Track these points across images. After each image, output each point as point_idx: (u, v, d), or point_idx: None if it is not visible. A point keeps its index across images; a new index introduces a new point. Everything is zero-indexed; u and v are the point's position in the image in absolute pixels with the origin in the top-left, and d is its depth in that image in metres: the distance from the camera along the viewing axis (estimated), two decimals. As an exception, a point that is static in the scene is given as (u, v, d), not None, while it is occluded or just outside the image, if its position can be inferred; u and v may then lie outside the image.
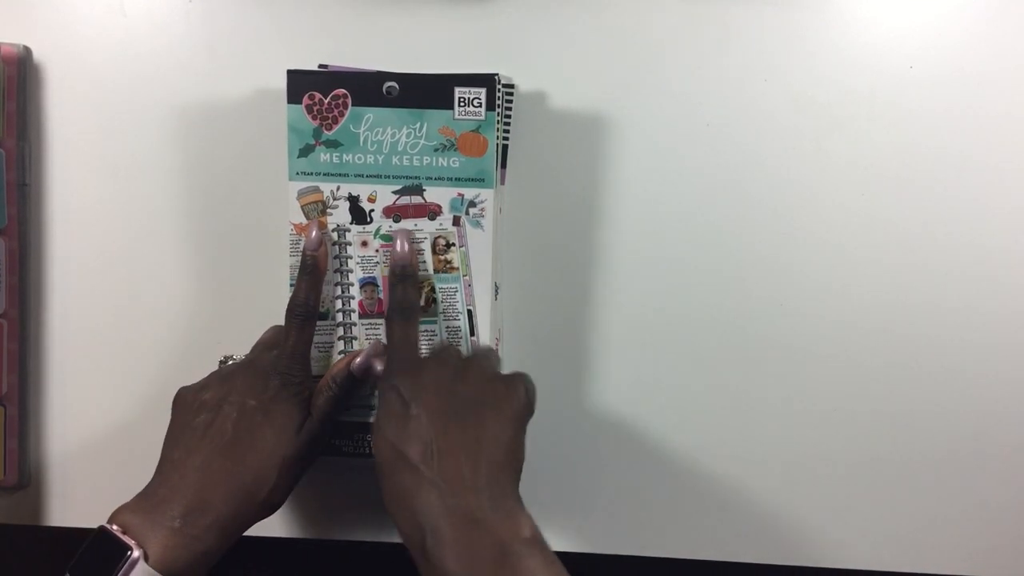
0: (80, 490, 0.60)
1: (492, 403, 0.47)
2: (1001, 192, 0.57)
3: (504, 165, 0.56)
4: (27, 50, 0.58)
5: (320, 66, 0.56)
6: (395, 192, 0.53)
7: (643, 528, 0.59)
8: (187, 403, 0.50)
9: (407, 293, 0.51)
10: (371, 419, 0.54)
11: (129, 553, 0.44)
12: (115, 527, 0.45)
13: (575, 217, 0.58)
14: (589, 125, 0.58)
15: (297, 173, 0.53)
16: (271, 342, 0.54)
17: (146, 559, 0.44)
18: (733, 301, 0.58)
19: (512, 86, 0.56)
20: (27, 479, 0.59)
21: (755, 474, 0.59)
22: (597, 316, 0.59)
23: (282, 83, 0.53)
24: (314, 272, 0.52)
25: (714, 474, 0.59)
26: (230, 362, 0.55)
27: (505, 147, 0.56)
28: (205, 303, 0.59)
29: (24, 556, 0.61)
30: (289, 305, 0.51)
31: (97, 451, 0.59)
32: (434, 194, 0.53)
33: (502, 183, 0.56)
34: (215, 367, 0.54)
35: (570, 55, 0.58)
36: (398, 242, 0.52)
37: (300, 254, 0.52)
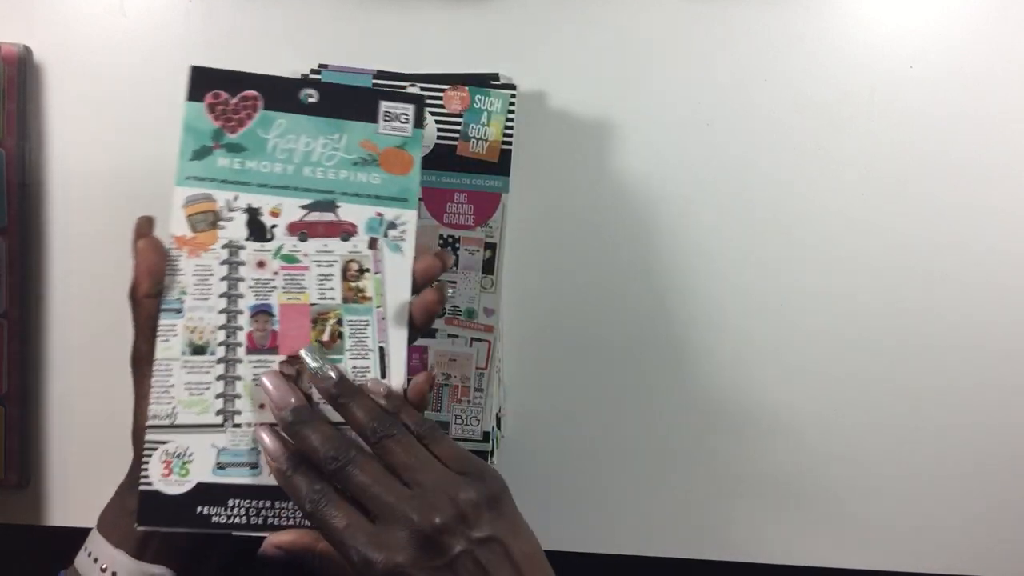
0: (80, 490, 0.60)
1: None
2: (1001, 192, 0.58)
3: (507, 172, 0.55)
4: (27, 50, 0.58)
5: (320, 66, 0.56)
6: (304, 207, 0.46)
7: (643, 528, 0.59)
8: None
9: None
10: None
11: None
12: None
13: (575, 216, 0.58)
14: (589, 124, 0.58)
15: (187, 177, 0.46)
16: None
17: None
18: (732, 300, 0.58)
19: (512, 86, 0.56)
20: (27, 479, 0.59)
21: (755, 475, 0.59)
22: (597, 315, 0.59)
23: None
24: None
25: (715, 474, 0.59)
26: None
27: (508, 152, 0.55)
28: (205, 303, 0.59)
29: (24, 556, 0.61)
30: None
31: (97, 451, 0.59)
32: (349, 211, 0.46)
33: (506, 191, 0.55)
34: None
35: (570, 55, 0.58)
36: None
37: (168, 274, 0.45)
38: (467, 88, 0.55)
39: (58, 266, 0.59)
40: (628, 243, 0.58)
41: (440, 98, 0.55)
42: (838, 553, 0.59)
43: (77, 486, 0.60)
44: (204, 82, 0.47)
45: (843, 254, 0.58)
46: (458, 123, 0.55)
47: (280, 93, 0.47)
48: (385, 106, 0.47)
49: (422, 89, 0.55)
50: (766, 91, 0.57)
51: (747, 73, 0.57)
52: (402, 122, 0.47)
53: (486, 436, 0.56)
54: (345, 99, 0.47)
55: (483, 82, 0.55)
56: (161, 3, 0.58)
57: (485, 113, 0.55)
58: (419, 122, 0.47)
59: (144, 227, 0.46)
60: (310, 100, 0.47)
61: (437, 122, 0.55)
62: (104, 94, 0.58)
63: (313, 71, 0.55)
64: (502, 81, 0.55)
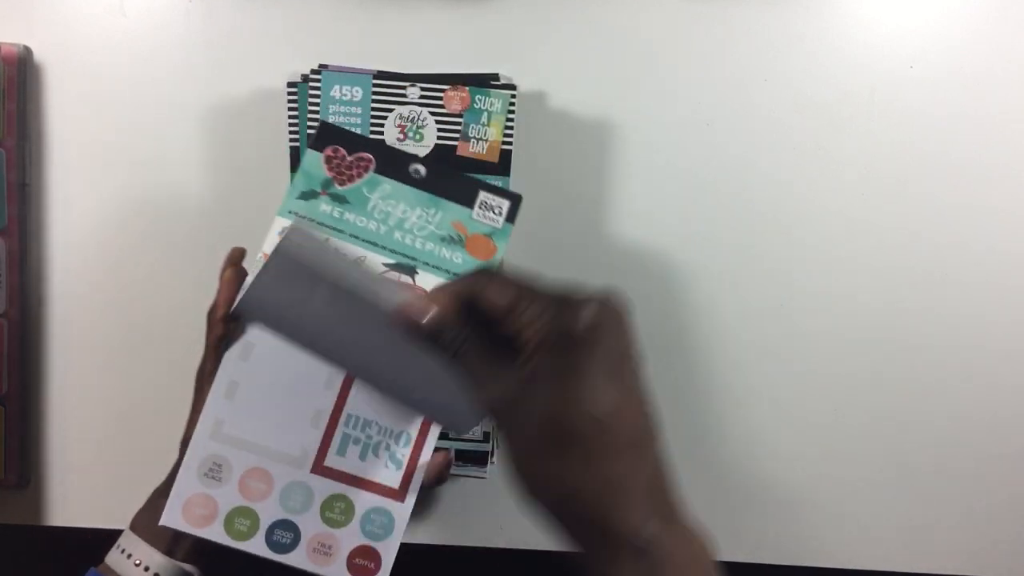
0: (80, 490, 0.60)
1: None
2: (1001, 192, 0.58)
3: (507, 172, 0.55)
4: (27, 50, 0.58)
5: (320, 66, 0.56)
6: (386, 264, 0.50)
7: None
8: None
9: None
10: None
11: None
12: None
13: (575, 216, 0.58)
14: (589, 125, 0.58)
15: (290, 211, 0.50)
16: None
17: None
18: (732, 300, 0.58)
19: (512, 86, 0.56)
20: (27, 479, 0.59)
21: (755, 476, 0.59)
22: (597, 316, 0.59)
23: (281, 83, 0.53)
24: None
25: (714, 474, 0.59)
26: None
27: (508, 152, 0.55)
28: (204, 302, 0.59)
29: (24, 556, 0.61)
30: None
31: (97, 451, 0.59)
32: (425, 280, 0.50)
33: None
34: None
35: (570, 55, 0.58)
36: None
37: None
38: (467, 88, 0.55)
39: (58, 266, 0.59)
40: (628, 243, 0.58)
41: (440, 98, 0.55)
42: (838, 553, 0.59)
43: (77, 486, 0.60)
44: (328, 137, 0.51)
45: (843, 254, 0.58)
46: (458, 123, 0.55)
47: (392, 161, 0.51)
48: (483, 196, 0.51)
49: (422, 89, 0.55)
50: (766, 91, 0.57)
51: (747, 73, 0.57)
52: (495, 214, 0.51)
53: (486, 436, 0.56)
54: (449, 181, 0.51)
55: (483, 82, 0.55)
56: (161, 3, 0.58)
57: (485, 113, 0.55)
58: (511, 217, 0.51)
59: (236, 257, 0.50)
60: (418, 175, 0.51)
61: (437, 122, 0.55)
62: (104, 94, 0.58)
63: (313, 71, 0.55)
64: (502, 81, 0.55)
